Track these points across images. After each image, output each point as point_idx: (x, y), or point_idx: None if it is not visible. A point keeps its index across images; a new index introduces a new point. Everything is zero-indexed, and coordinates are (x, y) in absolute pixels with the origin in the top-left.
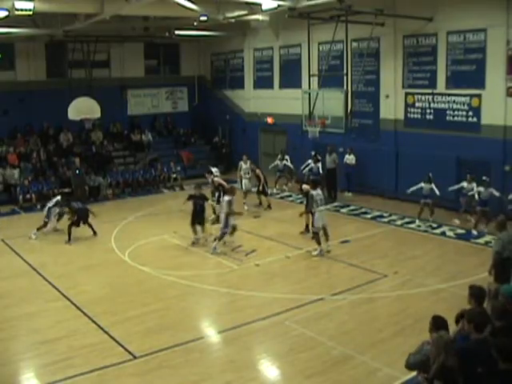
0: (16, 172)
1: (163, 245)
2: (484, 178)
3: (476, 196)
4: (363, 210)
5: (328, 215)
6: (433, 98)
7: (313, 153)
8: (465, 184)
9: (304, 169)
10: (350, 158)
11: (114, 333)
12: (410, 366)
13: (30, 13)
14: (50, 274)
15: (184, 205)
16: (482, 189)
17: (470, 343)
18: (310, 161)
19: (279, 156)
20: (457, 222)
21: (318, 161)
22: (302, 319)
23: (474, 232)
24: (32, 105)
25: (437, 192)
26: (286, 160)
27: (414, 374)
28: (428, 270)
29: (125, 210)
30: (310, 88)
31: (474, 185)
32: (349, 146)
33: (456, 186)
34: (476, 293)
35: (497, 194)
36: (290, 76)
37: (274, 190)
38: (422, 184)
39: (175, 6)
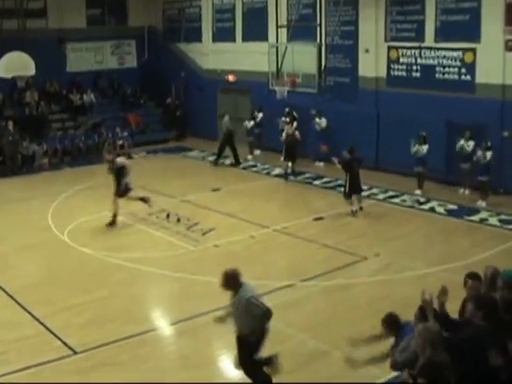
0: None
1: (107, 222)
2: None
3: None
4: (339, 182)
5: (298, 188)
6: (420, 53)
7: (286, 110)
8: (462, 141)
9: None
10: (319, 122)
11: (51, 324)
12: (397, 366)
13: None
14: None
15: None
16: (480, 152)
17: (475, 330)
18: (282, 119)
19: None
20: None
21: (295, 119)
22: None
23: (484, 204)
24: None
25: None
26: (255, 119)
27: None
28: (414, 251)
29: (63, 183)
30: (277, 41)
31: (472, 143)
32: (323, 107)
33: (458, 145)
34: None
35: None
36: (255, 27)
37: (249, 158)
38: (417, 146)
39: None
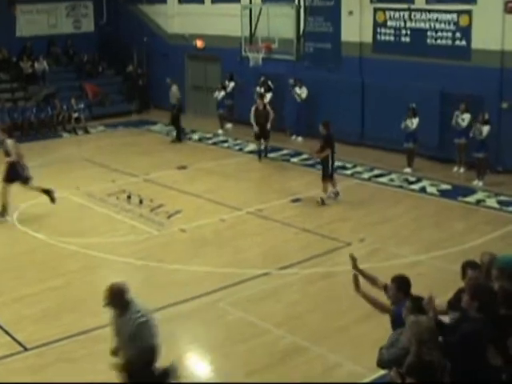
0: None
1: (62, 204)
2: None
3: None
4: (319, 159)
5: (274, 166)
6: (410, 16)
7: (261, 79)
8: (457, 113)
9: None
10: (299, 92)
11: None
12: (385, 364)
13: None
14: None
15: None
16: (476, 126)
17: (472, 324)
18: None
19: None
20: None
21: (270, 90)
22: (242, 300)
23: (480, 184)
24: None
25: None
26: (225, 89)
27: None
28: (403, 236)
29: None
30: (251, 2)
31: (468, 116)
32: (301, 76)
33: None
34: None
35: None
36: None
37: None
38: (407, 121)
39: None
